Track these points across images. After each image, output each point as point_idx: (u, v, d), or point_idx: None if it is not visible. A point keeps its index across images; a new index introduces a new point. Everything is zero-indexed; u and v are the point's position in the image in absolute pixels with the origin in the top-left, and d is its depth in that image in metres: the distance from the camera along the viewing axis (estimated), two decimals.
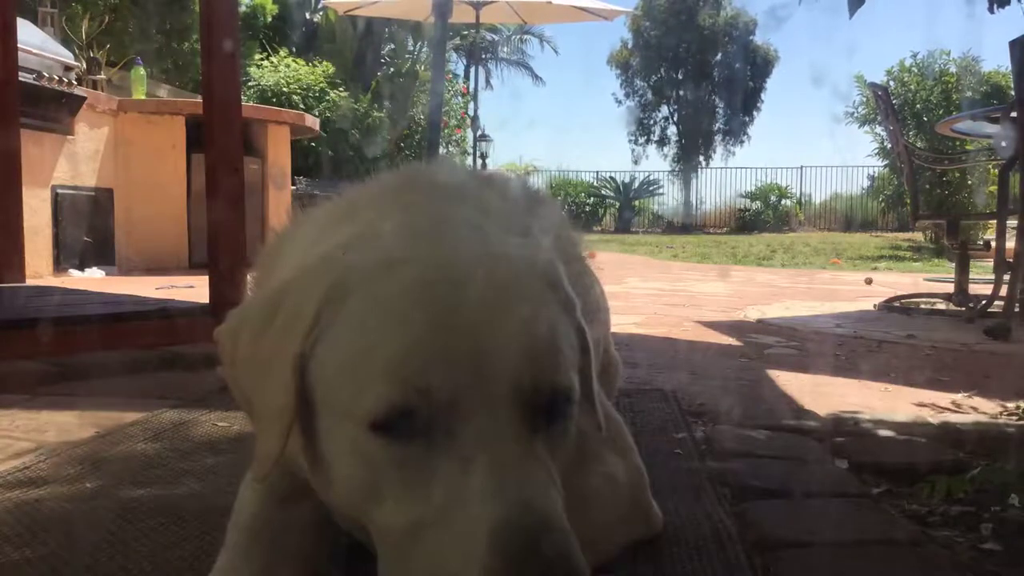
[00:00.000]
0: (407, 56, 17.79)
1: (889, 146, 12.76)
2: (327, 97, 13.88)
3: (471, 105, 17.78)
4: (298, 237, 1.01)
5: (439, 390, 0.71)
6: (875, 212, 21.84)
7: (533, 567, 0.65)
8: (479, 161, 16.26)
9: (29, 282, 4.30)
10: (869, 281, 7.55)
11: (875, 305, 4.96)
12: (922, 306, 5.02)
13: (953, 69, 16.47)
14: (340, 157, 13.65)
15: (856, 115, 18.52)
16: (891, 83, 15.79)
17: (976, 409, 2.25)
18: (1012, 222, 4.18)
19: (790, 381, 2.62)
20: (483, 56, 30.64)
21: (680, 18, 28.84)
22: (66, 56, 6.82)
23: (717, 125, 30.94)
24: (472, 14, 11.81)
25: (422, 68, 16.91)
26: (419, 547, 0.70)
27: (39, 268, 5.98)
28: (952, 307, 4.69)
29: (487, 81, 32.42)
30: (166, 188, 7.17)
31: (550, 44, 33.78)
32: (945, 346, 3.44)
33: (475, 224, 0.90)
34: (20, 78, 4.48)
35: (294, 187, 9.45)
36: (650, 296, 5.76)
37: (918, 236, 14.66)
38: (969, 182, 11.56)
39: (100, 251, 6.79)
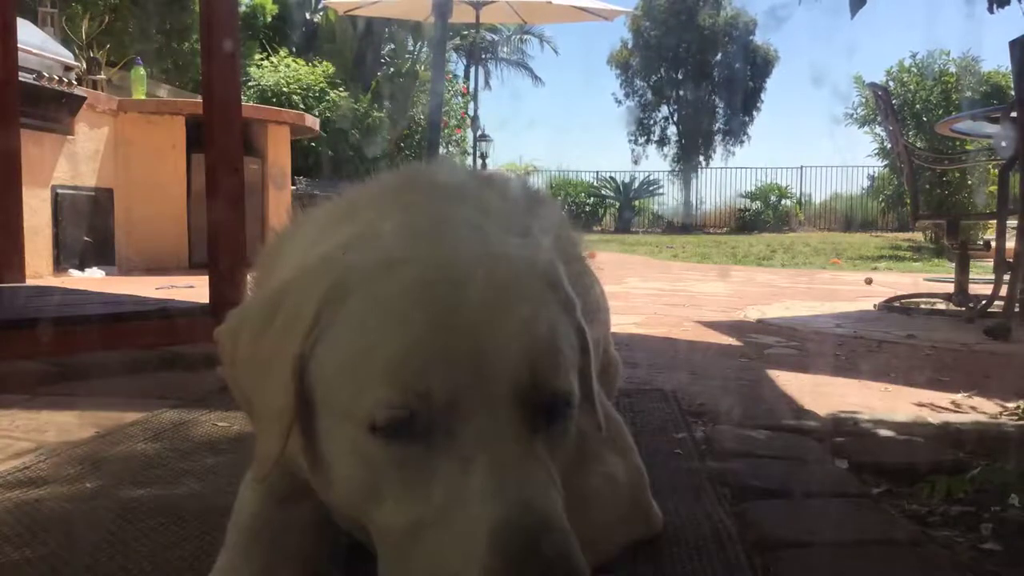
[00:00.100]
0: (407, 56, 17.79)
1: (889, 146, 12.76)
2: (327, 97, 13.88)
3: (471, 105, 17.79)
4: (298, 237, 1.01)
5: (439, 390, 0.71)
6: (875, 212, 21.84)
7: (533, 567, 0.65)
8: (479, 161, 16.26)
9: (29, 282, 4.30)
10: (869, 281, 7.55)
11: (875, 305, 4.96)
12: (922, 306, 5.02)
13: (953, 69, 16.48)
14: (340, 157, 13.65)
15: (856, 116, 18.54)
16: (891, 83, 15.80)
17: (976, 409, 2.25)
18: (1012, 222, 4.18)
19: (790, 381, 2.62)
20: (483, 56, 30.64)
21: (680, 18, 28.83)
22: (66, 56, 6.82)
23: (717, 125, 30.94)
24: (472, 14, 11.81)
25: (422, 68, 16.91)
26: (419, 547, 0.70)
27: (39, 268, 5.98)
28: (952, 307, 4.69)
29: (487, 81, 32.45)
30: (166, 188, 7.17)
31: (550, 44, 33.82)
32: (945, 346, 3.44)
33: (475, 224, 0.90)
34: (20, 78, 4.48)
35: (294, 187, 9.45)
36: (650, 296, 5.76)
37: (918, 236, 14.66)
38: (969, 182, 11.56)
39: (100, 251, 6.79)
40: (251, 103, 10.91)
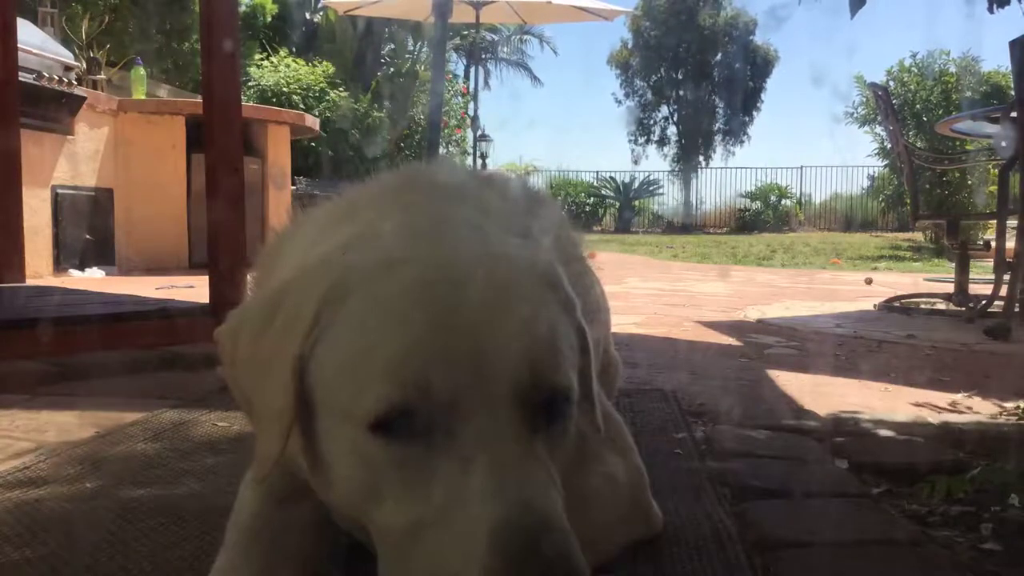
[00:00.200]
0: (407, 56, 17.79)
1: (889, 146, 12.76)
2: (327, 97, 13.88)
3: (471, 105, 17.79)
4: (298, 237, 1.01)
5: (439, 390, 0.71)
6: (875, 212, 21.84)
7: (533, 567, 0.65)
8: (479, 161, 16.26)
9: (29, 282, 4.30)
10: (869, 281, 7.55)
11: (875, 305, 4.96)
12: (922, 306, 5.02)
13: (953, 69, 16.48)
14: (340, 157, 13.65)
15: (856, 115, 18.54)
16: (891, 83, 15.80)
17: (976, 409, 2.25)
18: (1012, 222, 4.18)
19: (790, 381, 2.62)
20: (483, 56, 30.65)
21: (680, 18, 28.84)
22: (66, 56, 6.82)
23: (717, 125, 30.95)
24: (472, 14, 11.81)
25: (422, 68, 16.91)
26: (419, 547, 0.70)
27: (39, 268, 5.98)
28: (952, 307, 4.69)
29: (486, 81, 32.45)
30: (166, 188, 7.17)
31: (549, 44, 33.82)
32: (945, 346, 3.44)
33: (475, 224, 0.90)
34: (20, 78, 4.48)
35: (294, 187, 9.45)
36: (650, 296, 5.76)
37: (918, 236, 14.66)
38: (969, 182, 11.56)
39: (100, 251, 6.80)
40: (251, 103, 10.91)
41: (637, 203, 25.09)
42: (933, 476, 1.50)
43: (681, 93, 30.57)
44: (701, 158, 29.91)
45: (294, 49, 15.82)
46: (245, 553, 0.97)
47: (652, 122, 31.12)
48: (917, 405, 2.30)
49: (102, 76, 7.56)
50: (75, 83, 6.57)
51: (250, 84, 13.30)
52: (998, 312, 3.99)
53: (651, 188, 25.32)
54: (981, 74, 17.12)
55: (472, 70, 24.24)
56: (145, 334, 2.85)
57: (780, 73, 32.49)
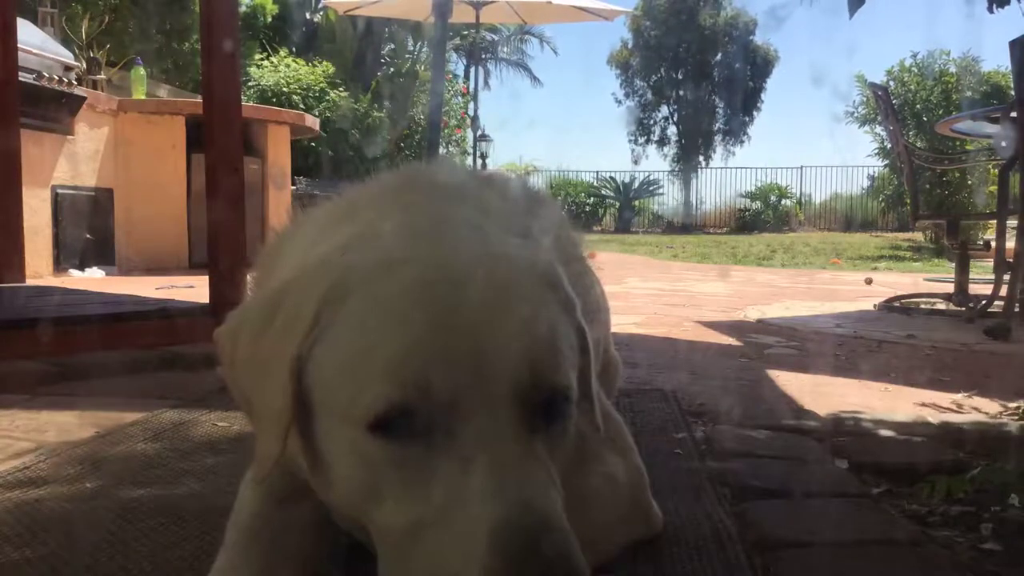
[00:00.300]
0: (407, 56, 17.80)
1: (889, 146, 12.77)
2: (327, 97, 13.88)
3: (471, 105, 17.80)
4: (298, 237, 1.01)
5: (439, 390, 0.71)
6: (875, 212, 21.85)
7: (533, 567, 0.65)
8: (479, 161, 16.26)
9: (29, 282, 4.30)
10: (869, 281, 7.55)
11: (875, 305, 4.96)
12: (922, 306, 5.02)
13: (953, 69, 16.49)
14: (340, 157, 13.66)
15: (856, 115, 18.55)
16: (891, 83, 15.80)
17: (976, 409, 2.25)
18: (1012, 222, 4.18)
19: (790, 381, 2.62)
20: (483, 56, 30.64)
21: (680, 18, 28.84)
22: (66, 56, 6.82)
23: (717, 125, 30.95)
24: (472, 14, 11.81)
25: (422, 68, 16.91)
26: (419, 547, 0.70)
27: (39, 268, 5.98)
28: (952, 307, 4.69)
29: (486, 81, 32.45)
30: (166, 188, 7.18)
31: (550, 45, 33.81)
32: (945, 346, 3.44)
33: (475, 224, 0.90)
34: (20, 78, 4.48)
35: (294, 187, 9.45)
36: (650, 296, 5.76)
37: (918, 236, 14.66)
38: (969, 182, 11.57)
39: (100, 251, 6.80)
40: (251, 103, 10.92)
41: (637, 203, 25.09)
42: (933, 476, 1.50)
43: (681, 93, 30.57)
44: (701, 158, 29.94)
45: (294, 49, 15.82)
46: (245, 553, 0.96)
47: (652, 122, 31.14)
48: (917, 405, 2.30)
49: (102, 76, 7.56)
50: (75, 83, 6.57)
51: (250, 84, 13.30)
52: (998, 312, 3.99)
53: (651, 188, 25.32)
54: (981, 74, 17.12)
55: (472, 70, 24.27)
56: (145, 334, 2.85)
57: (780, 73, 32.55)
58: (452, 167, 2.88)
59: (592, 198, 24.40)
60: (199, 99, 4.35)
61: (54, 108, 6.15)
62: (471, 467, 0.69)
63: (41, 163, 6.11)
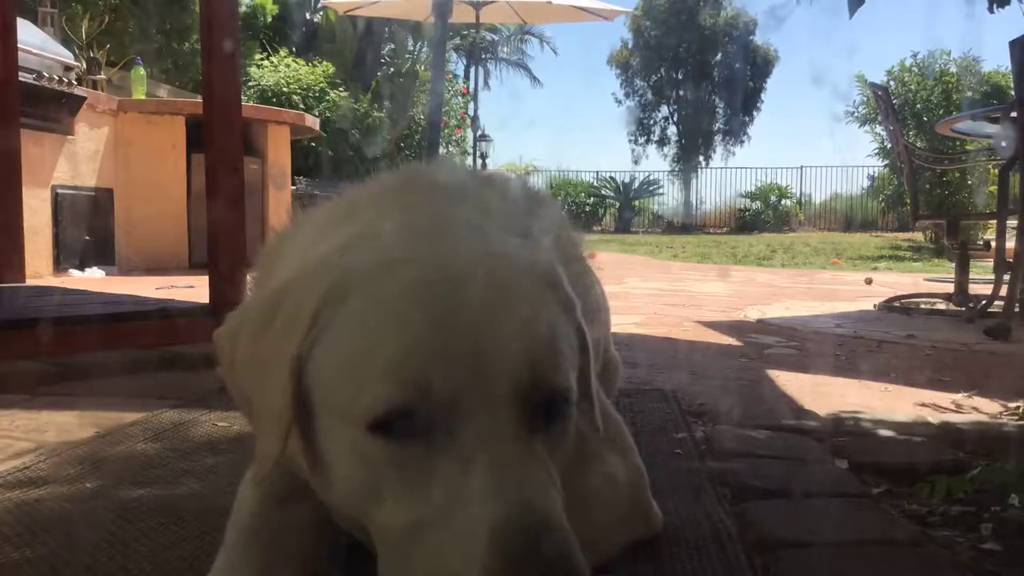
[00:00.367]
0: (407, 56, 17.80)
1: (889, 146, 12.77)
2: (327, 97, 13.88)
3: (471, 105, 17.80)
4: (298, 237, 1.01)
5: (439, 390, 0.71)
6: (875, 212, 21.84)
7: (533, 567, 0.65)
8: (479, 161, 16.27)
9: (29, 282, 4.30)
10: (869, 281, 7.55)
11: (875, 305, 4.96)
12: (922, 306, 5.02)
13: (953, 69, 16.48)
14: (340, 157, 13.66)
15: (856, 115, 18.54)
16: (891, 83, 15.80)
17: (976, 409, 2.25)
18: (1012, 222, 4.18)
19: (790, 381, 2.62)
20: (483, 56, 30.65)
21: (680, 18, 28.84)
22: (66, 56, 6.82)
23: (717, 125, 30.95)
24: (472, 14, 11.81)
25: (422, 68, 16.92)
26: (419, 547, 0.70)
27: (39, 268, 5.98)
28: (952, 307, 4.69)
29: (486, 81, 32.45)
30: (166, 188, 7.18)
31: (549, 45, 33.81)
32: (945, 346, 3.44)
33: (475, 224, 0.90)
34: (20, 78, 4.48)
35: (294, 187, 9.45)
36: (650, 296, 5.76)
37: (918, 236, 14.66)
38: (969, 182, 11.56)
39: (100, 251, 6.80)
40: (251, 103, 10.92)
41: (637, 203, 25.09)
42: (933, 476, 1.50)
43: (681, 93, 30.57)
44: (701, 158, 29.94)
45: (294, 49, 15.82)
46: (245, 553, 0.96)
47: (652, 122, 31.14)
48: (917, 405, 2.30)
49: (102, 76, 7.56)
50: (75, 83, 6.57)
51: (250, 84, 13.30)
52: (998, 312, 3.99)
53: (651, 188, 25.32)
54: (981, 74, 17.12)
55: (472, 70, 24.28)
56: (145, 334, 2.85)
57: (780, 73, 32.57)
58: (452, 167, 2.88)
59: (592, 198, 24.41)
60: (199, 99, 4.35)
61: (54, 108, 6.15)
62: (471, 467, 0.69)
63: (41, 163, 6.11)
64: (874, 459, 1.67)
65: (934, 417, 2.09)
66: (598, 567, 0.94)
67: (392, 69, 17.19)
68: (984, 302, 4.26)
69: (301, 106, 12.78)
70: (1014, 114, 4.03)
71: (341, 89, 14.40)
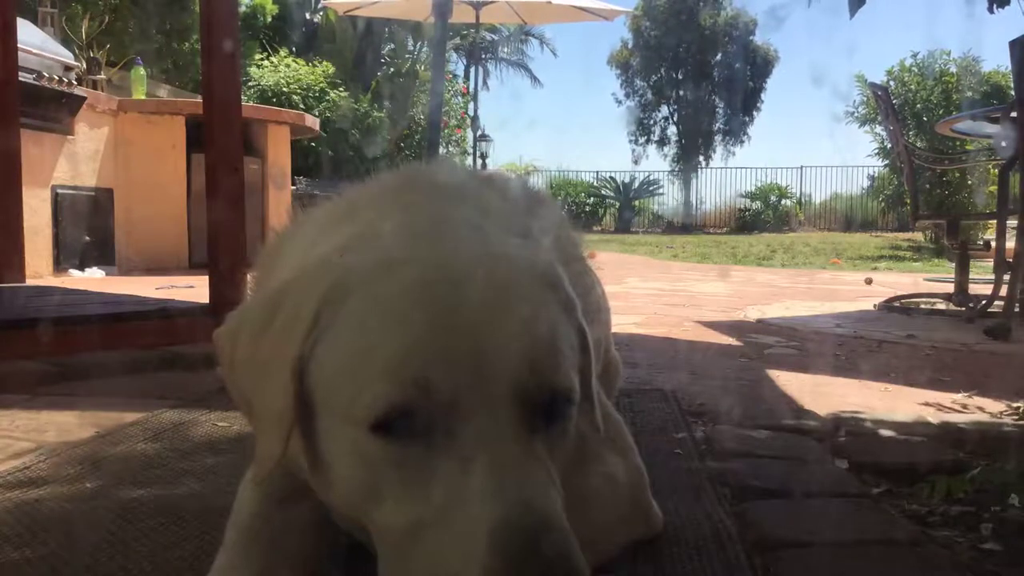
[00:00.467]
0: (407, 56, 17.81)
1: (889, 146, 12.77)
2: (327, 97, 13.88)
3: (471, 105, 17.81)
4: (298, 237, 1.01)
5: (439, 390, 0.71)
6: (875, 212, 21.84)
7: (533, 567, 0.65)
8: (479, 161, 16.27)
9: (29, 282, 4.30)
10: (869, 281, 7.55)
11: (875, 305, 4.96)
12: (922, 306, 5.02)
13: (953, 69, 16.48)
14: (340, 157, 13.66)
15: (856, 115, 18.54)
16: (891, 83, 15.80)
17: (977, 409, 2.25)
18: (1012, 222, 4.18)
19: (790, 381, 2.62)
20: (483, 56, 30.65)
21: (680, 18, 28.85)
22: (66, 56, 6.81)
23: (717, 125, 30.97)
24: (472, 14, 11.81)
25: (422, 68, 16.92)
26: (419, 547, 0.70)
27: (39, 268, 5.98)
28: (952, 307, 4.69)
29: (486, 81, 32.45)
30: (166, 188, 7.18)
31: (549, 45, 33.83)
32: (945, 346, 3.44)
33: (475, 224, 0.90)
34: (20, 78, 4.48)
35: (294, 187, 9.45)
36: (650, 296, 5.76)
37: (918, 236, 14.66)
38: (969, 182, 11.56)
39: (100, 251, 6.80)
40: (251, 103, 10.92)
41: (637, 203, 25.09)
42: (933, 476, 1.50)
43: (681, 93, 30.58)
44: (701, 158, 29.95)
45: (294, 49, 15.83)
46: (245, 553, 0.96)
47: (652, 122, 31.16)
48: (917, 405, 2.30)
49: (102, 76, 7.56)
50: (75, 83, 6.56)
51: (250, 84, 13.30)
52: (998, 312, 3.99)
53: (651, 188, 25.32)
54: (981, 74, 17.12)
55: (472, 70, 24.31)
56: (145, 334, 2.85)
57: (780, 73, 32.58)
58: (452, 167, 2.87)
59: (592, 198, 24.41)
60: (199, 99, 4.35)
61: (54, 108, 6.15)
62: (471, 467, 0.69)
63: (41, 163, 6.11)
64: (874, 459, 1.67)
65: (934, 417, 2.09)
66: (598, 567, 0.94)
67: (392, 69, 17.19)
68: (984, 302, 4.26)
69: (301, 106, 12.78)
70: (1014, 114, 4.03)
71: (341, 89, 14.40)
